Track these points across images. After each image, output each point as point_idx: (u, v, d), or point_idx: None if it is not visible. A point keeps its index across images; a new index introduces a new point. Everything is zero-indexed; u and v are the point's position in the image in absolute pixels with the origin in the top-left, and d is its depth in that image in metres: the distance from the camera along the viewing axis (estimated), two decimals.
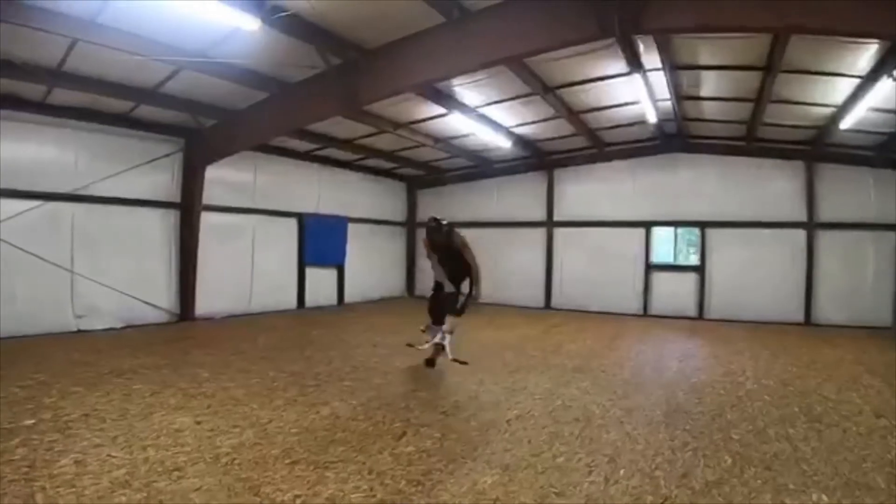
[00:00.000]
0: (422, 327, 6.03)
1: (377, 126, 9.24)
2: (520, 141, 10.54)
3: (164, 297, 9.12)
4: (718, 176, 10.81)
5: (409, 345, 6.02)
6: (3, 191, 7.14)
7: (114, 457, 3.34)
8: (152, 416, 4.15)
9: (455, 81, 7.44)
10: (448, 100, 8.19)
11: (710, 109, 8.71)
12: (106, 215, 8.32)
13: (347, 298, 12.34)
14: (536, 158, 11.95)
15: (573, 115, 8.91)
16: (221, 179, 9.75)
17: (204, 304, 9.45)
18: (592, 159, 11.57)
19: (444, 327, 5.65)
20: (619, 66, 6.73)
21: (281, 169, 11.06)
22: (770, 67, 6.40)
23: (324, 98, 6.97)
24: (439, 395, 4.91)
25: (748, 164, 10.51)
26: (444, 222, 5.70)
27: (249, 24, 5.16)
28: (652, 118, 8.56)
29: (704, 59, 6.65)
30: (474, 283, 5.68)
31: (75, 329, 7.87)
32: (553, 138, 10.60)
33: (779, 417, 4.29)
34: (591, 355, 6.74)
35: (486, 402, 4.66)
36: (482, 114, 8.92)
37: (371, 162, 12.40)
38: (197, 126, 8.69)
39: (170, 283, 9.21)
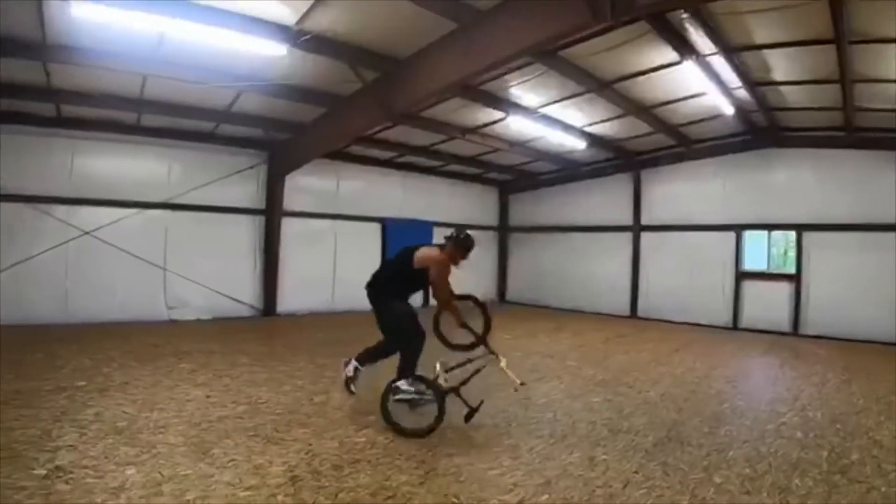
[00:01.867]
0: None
1: (445, 132, 10.02)
2: (597, 141, 10.62)
3: (249, 293, 10.75)
4: (816, 172, 9.85)
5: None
6: (105, 200, 9.17)
7: (125, 413, 4.40)
8: (176, 388, 5.24)
9: (505, 84, 7.84)
10: (503, 103, 8.61)
11: (794, 96, 8.04)
12: (196, 221, 10.09)
13: (433, 302, 13.04)
14: (622, 159, 11.94)
15: (643, 110, 8.84)
16: (305, 187, 11.30)
17: (287, 301, 10.98)
18: (679, 158, 11.23)
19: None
20: (669, 53, 6.65)
21: (363, 176, 12.34)
22: (838, 39, 5.86)
23: (366, 110, 7.80)
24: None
25: (850, 157, 9.43)
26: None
27: (277, 51, 6.11)
28: (728, 109, 8.24)
29: (761, 37, 6.26)
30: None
31: (167, 318, 9.65)
32: (632, 137, 10.54)
33: (794, 462, 3.74)
34: (631, 368, 6.70)
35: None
36: (545, 115, 9.18)
37: (455, 167, 13.17)
38: (273, 139, 10.19)
39: (254, 281, 10.82)
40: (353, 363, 4.69)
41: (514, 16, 5.24)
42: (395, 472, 3.44)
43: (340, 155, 11.53)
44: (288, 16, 5.75)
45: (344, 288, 11.54)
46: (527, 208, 14.62)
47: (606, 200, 12.68)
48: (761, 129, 9.81)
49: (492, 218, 15.08)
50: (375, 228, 12.47)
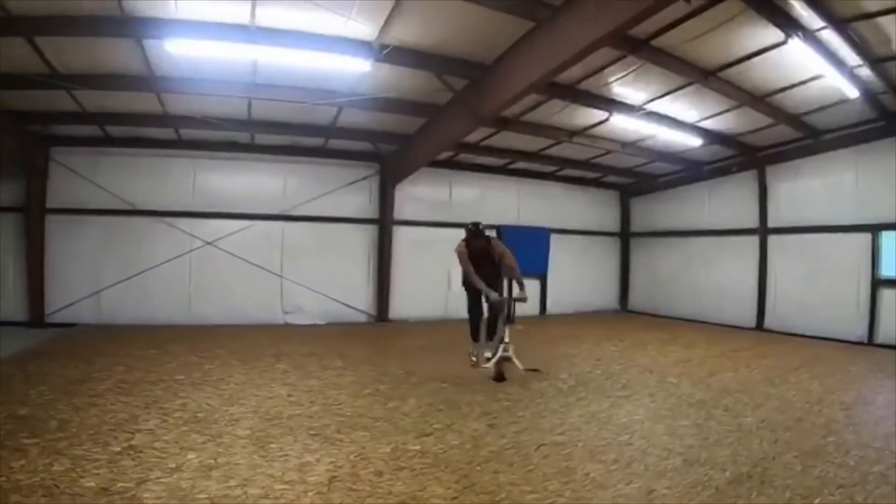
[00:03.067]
0: (472, 356, 6.49)
1: (552, 136, 9.98)
2: (714, 137, 9.91)
3: (362, 300, 11.45)
4: None
5: (474, 365, 6.42)
6: (225, 213, 10.33)
7: (208, 405, 4.88)
8: (264, 386, 5.69)
9: (603, 81, 7.62)
10: (605, 102, 8.36)
11: None
12: (311, 231, 10.97)
13: (551, 309, 13.21)
14: (746, 156, 10.94)
15: (757, 100, 8.07)
16: (418, 197, 11.83)
17: (401, 307, 11.53)
18: (808, 152, 9.96)
19: (503, 337, 6.01)
20: (772, 32, 6.02)
21: (477, 183, 12.60)
22: None
23: (459, 117, 7.98)
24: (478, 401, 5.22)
25: None
26: (481, 226, 6.43)
27: (362, 67, 6.49)
28: (852, 92, 7.26)
29: (872, 4, 5.45)
30: (520, 284, 6.19)
31: (283, 322, 10.56)
32: (752, 131, 9.68)
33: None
34: (736, 389, 5.97)
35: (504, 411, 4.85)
36: (652, 112, 8.72)
37: (571, 172, 13.06)
38: (382, 151, 10.89)
39: (368, 288, 11.47)
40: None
41: (588, 4, 5.07)
42: (434, 483, 3.39)
43: (452, 164, 11.94)
44: (367, 32, 6.08)
45: (458, 295, 11.76)
46: (649, 212, 13.94)
47: (730, 201, 11.70)
48: (894, 114, 8.38)
49: (613, 223, 14.60)
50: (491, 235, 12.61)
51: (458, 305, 11.27)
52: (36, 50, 6.09)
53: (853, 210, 9.40)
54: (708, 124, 9.38)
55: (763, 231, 10.87)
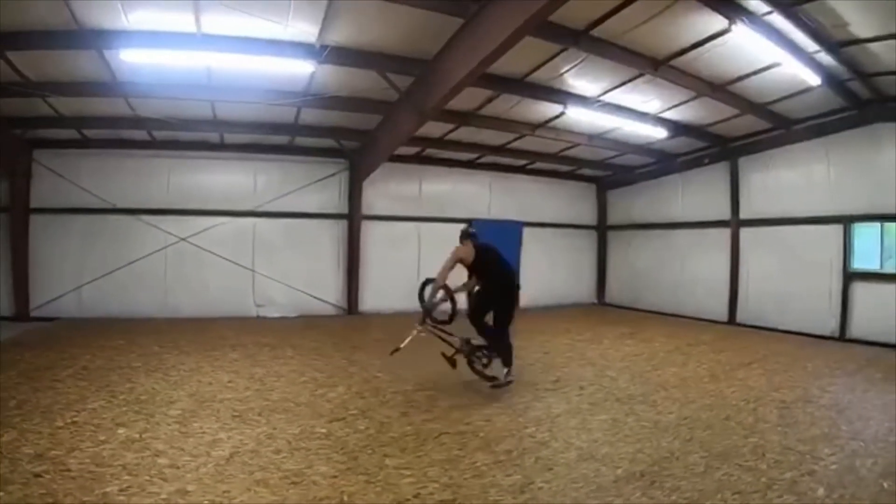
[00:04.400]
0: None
1: (513, 130, 10.39)
2: (681, 128, 10.23)
3: (332, 293, 12.06)
4: None
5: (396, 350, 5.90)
6: (199, 210, 11.04)
7: (153, 389, 5.62)
8: (211, 373, 6.36)
9: (554, 74, 7.95)
10: (560, 95, 8.71)
11: (890, 55, 6.95)
12: (282, 226, 11.62)
13: (525, 303, 13.22)
14: (718, 147, 11.23)
15: (717, 89, 8.32)
16: (388, 192, 12.42)
17: (372, 300, 12.13)
18: (780, 142, 10.19)
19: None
20: (715, 19, 6.26)
21: (447, 178, 13.12)
22: None
23: (407, 112, 8.45)
24: (410, 385, 5.83)
25: None
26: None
27: (305, 68, 7.05)
28: (813, 79, 7.46)
29: None
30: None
31: (255, 315, 11.28)
32: (719, 122, 10.00)
33: None
34: (675, 384, 6.21)
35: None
36: (610, 103, 9.08)
37: (544, 165, 13.40)
38: (348, 148, 11.48)
39: (338, 282, 12.05)
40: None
41: None
42: (322, 462, 3.84)
43: (421, 159, 12.50)
44: (308, 35, 6.59)
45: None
46: (625, 205, 14.27)
47: (703, 193, 12.00)
48: (865, 102, 8.58)
49: (589, 216, 14.97)
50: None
51: None
52: (7, 62, 6.77)
53: (825, 201, 9.59)
54: (671, 115, 9.69)
55: (735, 223, 11.14)
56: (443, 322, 6.00)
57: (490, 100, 8.91)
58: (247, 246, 11.32)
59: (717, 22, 6.32)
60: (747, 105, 8.99)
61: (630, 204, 14.03)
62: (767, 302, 10.41)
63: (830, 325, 9.33)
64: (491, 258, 6.04)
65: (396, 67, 7.52)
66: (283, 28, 6.38)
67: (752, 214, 10.92)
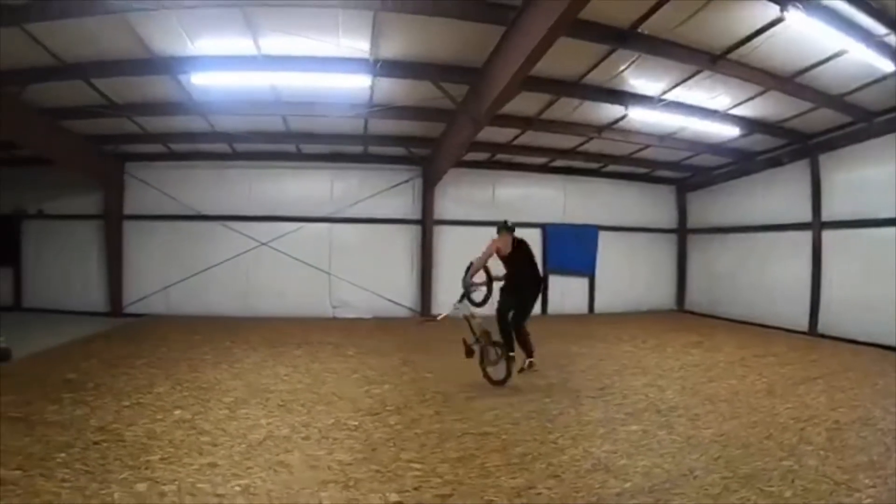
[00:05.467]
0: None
1: (580, 133, 10.52)
2: (755, 125, 9.80)
3: (406, 296, 12.63)
4: None
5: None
6: (278, 217, 11.99)
7: (216, 379, 6.30)
8: (272, 367, 6.98)
9: (609, 75, 7.99)
10: (620, 96, 8.70)
11: None
12: (357, 231, 12.37)
13: (600, 308, 13.66)
14: (798, 144, 10.56)
15: (784, 82, 7.92)
16: (461, 197, 12.88)
17: (444, 304, 12.29)
18: (862, 136, 9.37)
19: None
20: (766, 7, 6.00)
21: (521, 182, 13.36)
22: None
23: (462, 119, 8.79)
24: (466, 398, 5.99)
25: None
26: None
27: (363, 82, 7.65)
28: (885, 65, 6.91)
29: None
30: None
31: (331, 316, 12.04)
32: (793, 116, 9.43)
33: None
34: (724, 398, 5.87)
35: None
36: (672, 102, 8.89)
37: (619, 168, 13.31)
38: (420, 155, 12.06)
39: (411, 285, 12.61)
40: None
41: None
42: (342, 451, 4.15)
43: (493, 164, 12.85)
44: (361, 51, 7.08)
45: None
46: (704, 207, 13.73)
47: (782, 194, 11.28)
48: None
49: (669, 219, 14.54)
50: (535, 234, 13.00)
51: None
52: (93, 87, 7.91)
53: None
54: (741, 111, 9.33)
55: (817, 225, 10.39)
56: (477, 304, 6.53)
57: (550, 104, 9.03)
58: (324, 250, 12.13)
59: (768, 10, 6.05)
60: (821, 98, 8.44)
61: (709, 206, 13.51)
62: (850, 311, 9.58)
63: None
64: (525, 251, 6.70)
65: (450, 77, 7.85)
66: (336, 46, 6.90)
67: (835, 216, 10.12)
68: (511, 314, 6.45)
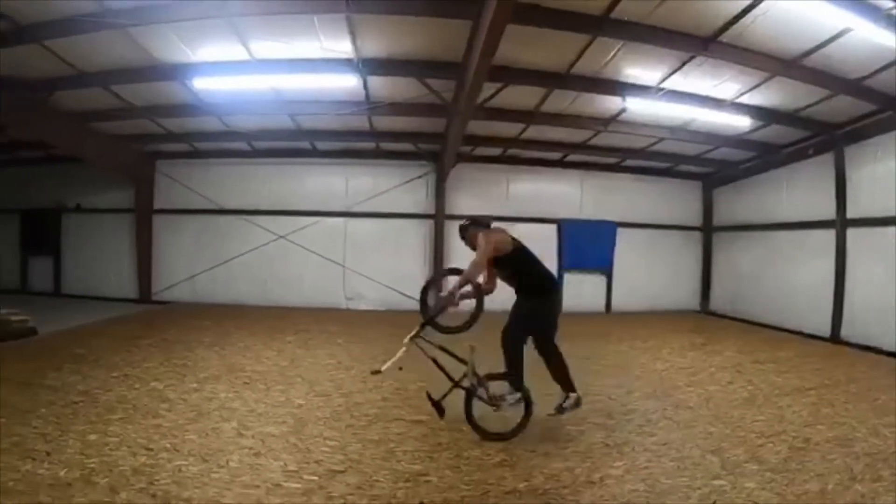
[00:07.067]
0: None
1: (586, 126, 10.77)
2: (769, 115, 9.63)
3: (418, 289, 12.97)
4: None
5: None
6: (296, 211, 12.91)
7: (205, 360, 6.98)
8: (261, 350, 7.74)
9: (600, 65, 8.16)
10: (611, 86, 8.84)
11: None
12: (371, 225, 13.09)
13: (618, 307, 13.74)
14: (823, 135, 10.19)
15: (791, 66, 7.72)
16: (474, 192, 13.29)
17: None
18: (888, 126, 8.94)
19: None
20: None
21: (535, 177, 13.68)
22: None
23: (452, 113, 9.30)
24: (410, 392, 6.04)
25: None
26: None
27: (350, 81, 8.29)
28: None
29: None
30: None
31: (345, 307, 12.83)
32: (811, 105, 9.15)
33: None
34: (683, 403, 5.71)
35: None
36: (672, 91, 8.89)
37: (638, 162, 13.36)
38: (425, 151, 12.63)
39: (423, 278, 13.03)
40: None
41: None
42: (273, 423, 5.01)
43: (506, 159, 13.24)
44: (345, 52, 7.64)
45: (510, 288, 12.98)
46: (730, 204, 13.43)
47: (806, 189, 10.89)
48: None
49: (693, 216, 14.31)
50: (550, 230, 13.42)
51: (511, 297, 12.57)
52: (112, 93, 9.03)
53: None
54: (750, 100, 9.17)
55: (841, 223, 9.97)
56: (452, 329, 4.75)
57: (545, 97, 9.27)
58: (339, 243, 12.93)
59: None
60: (836, 83, 8.12)
61: (734, 202, 13.22)
62: (876, 317, 9.04)
63: None
64: (531, 252, 4.89)
65: (435, 73, 8.29)
66: (321, 48, 7.52)
67: (861, 213, 9.67)
68: (534, 332, 4.66)
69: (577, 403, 4.64)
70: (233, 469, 3.77)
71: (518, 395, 4.52)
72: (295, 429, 4.64)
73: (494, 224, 5.11)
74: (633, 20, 6.85)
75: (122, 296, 12.65)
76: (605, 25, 6.88)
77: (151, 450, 4.03)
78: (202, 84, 8.29)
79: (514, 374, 4.53)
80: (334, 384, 6.13)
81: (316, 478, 3.70)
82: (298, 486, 3.57)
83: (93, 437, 4.23)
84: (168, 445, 4.13)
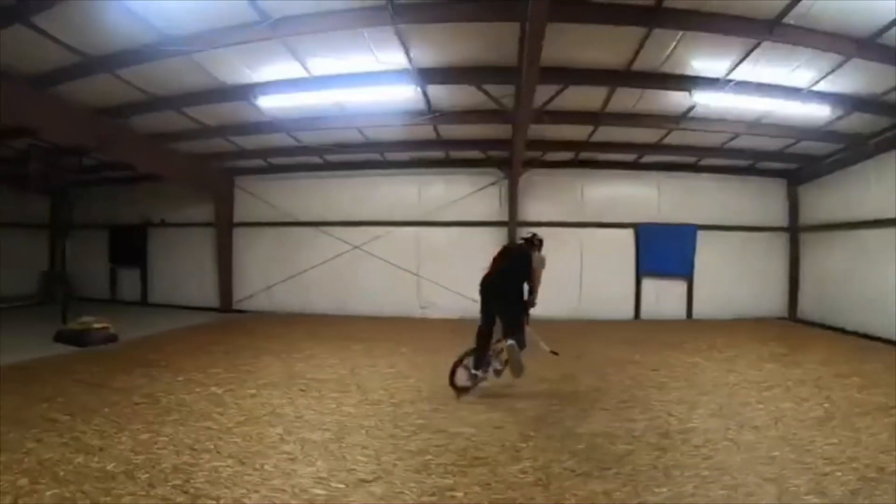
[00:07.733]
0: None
1: (656, 125, 10.50)
2: (849, 102, 8.88)
3: None
4: None
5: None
6: (369, 222, 13.31)
7: (270, 366, 7.31)
8: (324, 358, 8.01)
9: (654, 60, 7.87)
10: (676, 80, 8.50)
11: None
12: (444, 234, 13.24)
13: (699, 314, 13.08)
14: None
15: (863, 47, 7.09)
16: (547, 198, 13.23)
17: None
18: None
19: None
20: None
21: (611, 181, 13.35)
22: None
23: (513, 118, 9.27)
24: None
25: None
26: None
27: (407, 92, 8.45)
28: None
29: None
30: None
31: (419, 316, 12.96)
32: (890, 90, 8.41)
33: None
34: (748, 423, 5.28)
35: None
36: (743, 82, 8.41)
37: (717, 161, 12.80)
38: (494, 158, 12.69)
39: None
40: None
41: None
42: (314, 425, 5.15)
43: (579, 163, 13.00)
44: (399, 63, 7.78)
45: (590, 295, 12.84)
46: (816, 201, 12.36)
47: (893, 183, 9.84)
48: None
49: (779, 216, 13.32)
50: (628, 235, 13.09)
51: (591, 306, 12.69)
52: (186, 115, 9.75)
53: None
54: (829, 87, 8.51)
55: None
56: None
57: (609, 97, 9.03)
58: (412, 253, 13.15)
59: None
60: None
61: (821, 200, 12.15)
62: None
63: None
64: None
65: (491, 78, 8.26)
66: (376, 61, 7.72)
67: None
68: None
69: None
70: (266, 472, 3.93)
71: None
72: (337, 436, 4.74)
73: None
74: (689, 8, 6.57)
75: (203, 305, 13.57)
76: (659, 16, 6.64)
77: (195, 450, 4.29)
78: (267, 102, 8.72)
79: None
80: (388, 393, 6.20)
81: (343, 486, 3.77)
82: (324, 492, 3.66)
83: (145, 436, 4.57)
84: (212, 447, 4.38)
